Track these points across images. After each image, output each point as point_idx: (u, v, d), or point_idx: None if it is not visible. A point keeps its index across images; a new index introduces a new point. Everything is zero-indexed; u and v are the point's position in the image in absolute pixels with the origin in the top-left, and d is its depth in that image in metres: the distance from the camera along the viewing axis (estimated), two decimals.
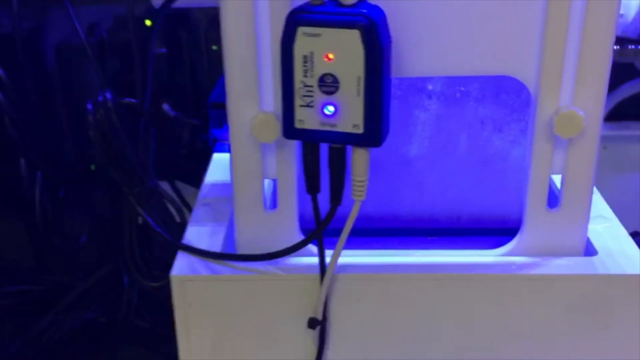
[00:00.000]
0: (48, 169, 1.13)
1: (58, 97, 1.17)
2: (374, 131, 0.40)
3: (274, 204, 0.48)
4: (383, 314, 0.47)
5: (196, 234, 0.51)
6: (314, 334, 0.47)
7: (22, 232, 1.28)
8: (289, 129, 0.42)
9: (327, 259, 0.45)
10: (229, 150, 0.46)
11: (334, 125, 0.41)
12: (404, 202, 0.50)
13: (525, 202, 0.46)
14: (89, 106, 0.49)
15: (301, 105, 0.41)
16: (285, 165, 0.46)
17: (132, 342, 1.26)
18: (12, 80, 1.07)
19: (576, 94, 0.43)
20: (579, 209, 0.46)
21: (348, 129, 0.41)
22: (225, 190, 0.57)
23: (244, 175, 0.46)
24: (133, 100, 0.50)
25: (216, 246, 0.49)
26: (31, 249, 1.31)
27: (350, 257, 0.47)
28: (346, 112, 0.40)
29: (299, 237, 0.48)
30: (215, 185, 0.58)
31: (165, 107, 1.15)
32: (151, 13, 1.12)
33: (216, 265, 0.48)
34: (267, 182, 0.48)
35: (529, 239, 0.47)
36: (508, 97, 0.48)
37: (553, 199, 0.47)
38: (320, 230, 0.44)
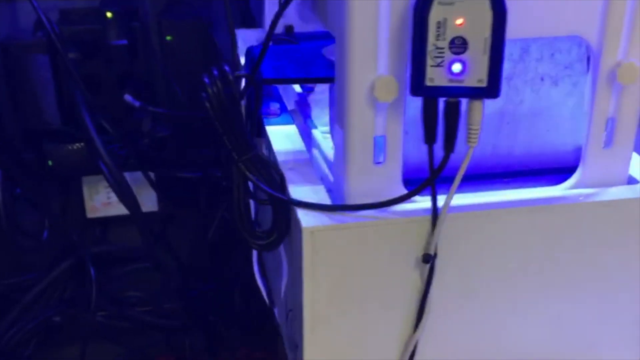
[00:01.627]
0: (7, 166, 1.10)
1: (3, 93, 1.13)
2: (496, 84, 0.47)
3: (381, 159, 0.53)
4: (484, 248, 0.53)
5: (301, 193, 0.55)
6: (421, 271, 0.53)
7: None
8: (418, 87, 0.47)
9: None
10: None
11: (460, 81, 0.47)
12: (484, 150, 0.57)
13: (584, 142, 0.55)
14: (206, 79, 0.52)
15: (432, 66, 0.46)
16: (395, 123, 0.51)
17: (98, 337, 1.25)
18: None
19: (630, 49, 0.52)
20: (627, 146, 0.55)
21: (473, 83, 0.47)
22: (298, 156, 0.61)
23: (359, 133, 0.51)
24: (247, 72, 0.53)
25: (325, 201, 0.54)
26: None
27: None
28: (472, 68, 0.46)
29: (402, 188, 0.53)
30: (287, 153, 0.61)
31: (128, 97, 1.14)
32: (103, 5, 1.11)
33: (336, 215, 0.52)
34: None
35: (587, 174, 0.56)
36: (561, 56, 0.56)
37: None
38: (436, 176, 0.50)
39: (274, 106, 0.69)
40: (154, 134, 1.18)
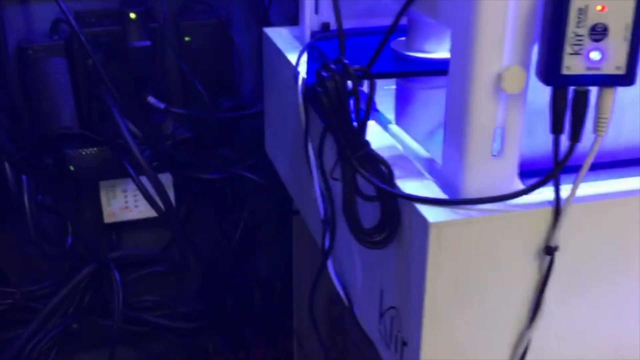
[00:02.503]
0: (31, 172, 1.04)
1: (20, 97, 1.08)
2: (634, 71, 0.45)
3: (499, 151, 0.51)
4: (601, 239, 0.52)
5: (412, 188, 0.52)
6: (539, 264, 0.51)
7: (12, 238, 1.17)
8: (554, 77, 0.45)
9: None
10: None
11: (598, 69, 0.45)
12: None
13: None
14: (324, 73, 0.49)
15: (570, 54, 0.45)
16: (515, 114, 0.49)
17: (117, 343, 1.20)
18: None
19: None
20: None
21: (611, 71, 0.45)
22: (391, 151, 0.59)
23: (479, 125, 0.49)
24: (362, 66, 0.50)
25: (438, 195, 0.52)
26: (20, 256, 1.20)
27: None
28: (612, 56, 0.45)
29: (518, 180, 0.51)
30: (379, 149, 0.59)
31: (152, 99, 1.10)
32: (123, 6, 1.07)
33: (458, 210, 0.50)
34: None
35: None
36: None
37: None
38: (561, 167, 0.48)
39: None
40: (176, 136, 1.14)
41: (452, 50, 0.50)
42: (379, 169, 0.52)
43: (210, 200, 1.23)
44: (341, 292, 0.68)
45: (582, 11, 0.44)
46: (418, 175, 0.55)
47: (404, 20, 0.92)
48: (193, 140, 1.16)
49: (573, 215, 0.50)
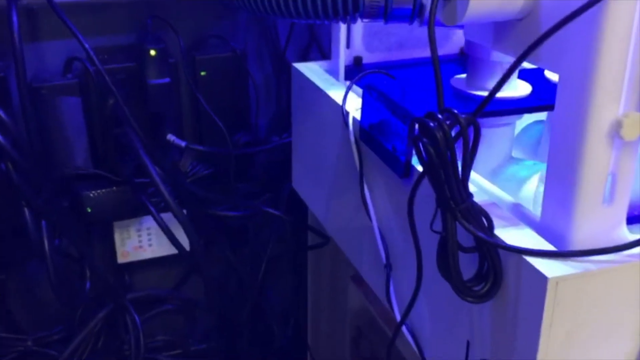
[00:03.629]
0: (51, 216, 0.98)
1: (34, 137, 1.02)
2: None
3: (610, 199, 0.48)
4: None
5: (515, 239, 0.49)
6: None
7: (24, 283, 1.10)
8: None
9: None
10: None
11: None
12: None
13: None
14: (431, 124, 0.45)
15: None
16: (629, 160, 0.46)
17: None
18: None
19: None
20: None
21: None
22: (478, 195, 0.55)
23: (593, 172, 0.46)
24: (468, 114, 0.47)
25: (542, 245, 0.48)
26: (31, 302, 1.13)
27: None
28: None
29: (626, 229, 0.48)
30: None
31: (171, 137, 1.06)
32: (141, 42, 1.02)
33: (571, 262, 0.46)
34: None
35: None
36: None
37: None
38: None
39: None
40: (196, 173, 1.09)
41: (560, 95, 0.47)
42: (480, 220, 0.49)
43: (225, 235, 1.18)
44: (410, 339, 0.64)
45: None
46: (514, 223, 0.52)
47: (448, 50, 0.91)
48: (210, 177, 1.11)
49: None
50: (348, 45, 0.87)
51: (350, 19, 0.65)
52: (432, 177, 0.47)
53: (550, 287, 0.45)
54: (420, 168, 0.60)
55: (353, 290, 1.04)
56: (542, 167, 0.67)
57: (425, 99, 0.67)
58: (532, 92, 0.66)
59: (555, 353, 0.47)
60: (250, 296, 1.20)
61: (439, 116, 0.45)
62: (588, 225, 0.47)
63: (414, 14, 0.63)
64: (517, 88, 0.66)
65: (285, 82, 1.17)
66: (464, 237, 0.49)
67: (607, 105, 0.44)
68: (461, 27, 0.61)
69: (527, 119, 0.74)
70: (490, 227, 0.49)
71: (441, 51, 0.92)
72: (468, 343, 0.56)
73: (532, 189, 0.65)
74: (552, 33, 0.43)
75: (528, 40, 0.50)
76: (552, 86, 0.67)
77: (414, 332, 0.65)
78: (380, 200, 0.69)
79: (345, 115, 0.74)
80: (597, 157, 0.45)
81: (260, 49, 1.16)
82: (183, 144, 1.04)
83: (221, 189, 1.12)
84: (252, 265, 1.18)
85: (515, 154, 0.70)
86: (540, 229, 0.50)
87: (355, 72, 0.86)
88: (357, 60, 0.88)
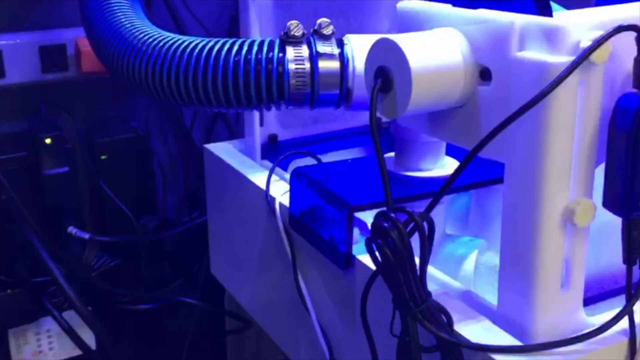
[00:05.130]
0: None
1: None
2: None
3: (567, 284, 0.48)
4: None
5: (475, 334, 0.48)
6: None
7: None
8: (632, 208, 0.43)
9: None
10: None
11: None
12: None
13: None
14: (385, 224, 0.43)
15: None
16: (581, 245, 0.47)
17: None
18: None
19: None
20: None
21: None
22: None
23: (549, 260, 0.46)
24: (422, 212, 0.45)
25: (505, 338, 0.48)
26: None
27: None
28: None
29: (583, 314, 0.49)
30: None
31: (73, 229, 0.99)
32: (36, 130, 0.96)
33: (536, 357, 0.46)
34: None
35: None
36: None
37: None
38: (636, 298, 0.46)
39: (355, 232, 0.61)
40: (101, 266, 1.03)
41: (508, 184, 0.47)
42: (440, 318, 0.47)
43: (136, 329, 1.12)
44: None
45: None
46: (471, 316, 0.51)
47: (361, 122, 0.91)
48: (117, 268, 1.05)
49: None
50: (262, 123, 0.85)
51: (275, 107, 0.64)
52: (389, 279, 0.45)
53: None
54: (362, 258, 0.59)
55: None
56: (478, 243, 0.67)
57: (353, 184, 0.66)
58: None
59: None
60: None
61: (392, 215, 0.44)
62: (548, 313, 0.47)
63: (341, 99, 0.63)
64: (446, 166, 0.66)
65: (192, 159, 1.14)
66: (423, 336, 0.48)
67: (557, 193, 0.44)
68: None
69: None
70: (450, 323, 0.48)
71: (353, 123, 0.94)
72: None
73: (471, 267, 0.65)
74: (502, 129, 0.43)
75: (466, 126, 0.51)
76: (480, 161, 0.68)
77: None
78: (317, 291, 0.67)
79: (270, 201, 0.72)
80: (552, 245, 0.45)
81: (164, 127, 1.13)
82: (86, 236, 0.98)
83: (130, 279, 1.06)
84: (171, 355, 1.12)
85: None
86: (498, 319, 0.50)
87: (272, 151, 0.85)
88: (272, 138, 0.87)
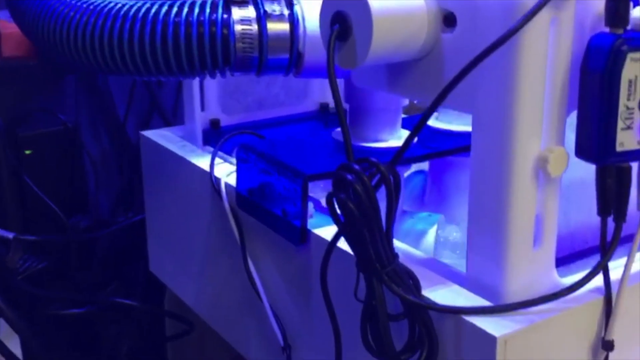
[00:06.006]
0: None
1: None
2: None
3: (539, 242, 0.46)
4: None
5: (445, 298, 0.45)
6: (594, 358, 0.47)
7: None
8: (607, 154, 0.42)
9: None
10: None
11: None
12: None
13: None
14: (348, 176, 0.40)
15: (622, 129, 0.42)
16: (552, 199, 0.45)
17: None
18: None
19: None
20: None
21: None
22: None
23: (521, 216, 0.44)
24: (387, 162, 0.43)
25: (475, 301, 0.45)
26: None
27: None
28: None
29: (555, 273, 0.47)
30: None
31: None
32: None
33: (510, 316, 0.43)
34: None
35: None
36: None
37: None
38: (611, 254, 0.45)
39: (309, 206, 0.58)
40: (27, 269, 0.96)
41: (476, 138, 0.45)
42: (407, 282, 0.45)
43: (69, 337, 1.05)
44: None
45: (632, 83, 0.41)
46: (439, 281, 0.48)
47: (307, 107, 0.89)
48: (46, 271, 0.99)
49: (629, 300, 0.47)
50: (203, 108, 0.81)
51: (219, 73, 0.60)
52: (353, 239, 0.42)
53: (499, 347, 0.41)
54: (319, 232, 0.56)
55: None
56: (437, 218, 0.65)
57: (305, 155, 0.63)
58: (418, 140, 0.65)
59: None
60: None
61: (356, 167, 0.41)
62: (520, 273, 0.45)
63: (291, 64, 0.60)
64: (402, 137, 0.64)
65: (127, 155, 1.09)
66: (389, 303, 0.45)
67: (528, 141, 0.43)
68: (347, 75, 0.58)
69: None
70: (418, 288, 0.46)
71: (299, 109, 0.91)
72: None
73: (431, 242, 0.63)
74: (468, 72, 0.41)
75: (429, 79, 0.48)
76: (435, 133, 0.66)
77: None
78: (269, 275, 0.63)
79: (215, 182, 0.68)
80: (523, 198, 0.43)
81: (95, 120, 1.07)
82: (10, 235, 0.91)
83: (60, 282, 1.00)
84: None
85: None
86: (468, 284, 0.47)
87: (214, 137, 0.81)
88: (214, 123, 0.83)
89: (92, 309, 0.98)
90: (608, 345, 0.46)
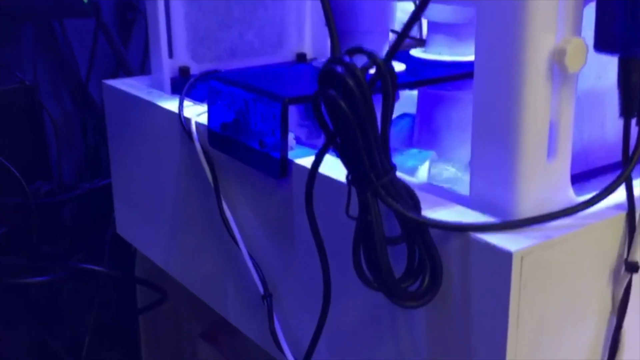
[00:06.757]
0: None
1: None
2: None
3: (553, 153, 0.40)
4: None
5: (445, 216, 0.40)
6: (615, 282, 0.41)
7: None
8: (633, 42, 0.36)
9: None
10: None
11: None
12: None
13: None
14: (338, 69, 0.34)
15: None
16: (569, 102, 0.40)
17: None
18: None
19: None
20: None
21: None
22: None
23: (535, 119, 0.38)
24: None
25: (482, 219, 0.40)
26: None
27: None
28: None
29: (570, 187, 0.41)
30: None
31: None
32: None
33: (525, 233, 0.38)
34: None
35: None
36: None
37: None
38: (635, 161, 0.39)
39: (290, 137, 0.52)
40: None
41: (481, 36, 0.39)
42: (405, 199, 0.39)
43: (31, 310, 0.98)
44: None
45: None
46: (439, 203, 0.42)
47: (283, 57, 0.83)
48: (4, 238, 0.91)
49: None
50: (171, 55, 0.75)
51: None
52: (344, 144, 0.36)
53: (515, 264, 0.36)
54: (300, 162, 0.50)
55: (204, 350, 0.90)
56: (428, 155, 0.60)
57: (283, 82, 0.57)
58: (407, 70, 0.59)
59: (526, 347, 0.38)
60: None
61: (347, 58, 0.35)
62: (533, 189, 0.39)
63: None
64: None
65: (91, 117, 1.01)
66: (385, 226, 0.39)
67: (543, 32, 0.37)
68: None
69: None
70: (417, 206, 0.40)
71: (275, 59, 0.85)
72: None
73: (423, 179, 0.57)
74: None
75: None
76: (425, 64, 0.61)
77: None
78: (246, 218, 0.57)
79: (185, 122, 0.62)
80: (537, 99, 0.38)
81: (55, 80, 1.00)
82: None
83: (21, 250, 0.93)
84: (71, 343, 0.98)
85: None
86: (473, 204, 0.42)
87: (183, 85, 0.75)
88: (184, 70, 0.77)
89: (56, 277, 0.91)
90: (632, 267, 0.40)
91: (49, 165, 0.98)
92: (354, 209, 0.39)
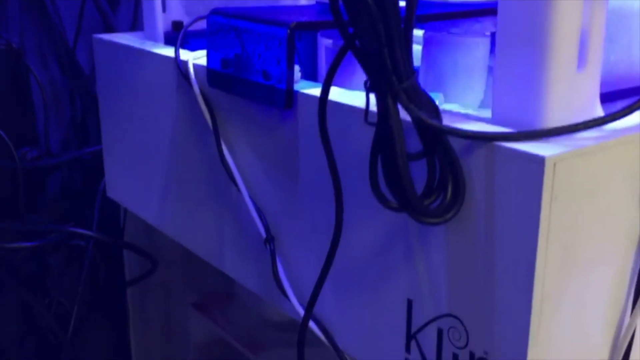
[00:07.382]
0: None
1: None
2: None
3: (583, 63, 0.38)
4: None
5: (470, 127, 0.37)
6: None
7: None
8: None
9: None
10: None
11: None
12: None
13: None
14: None
15: None
16: (600, 9, 0.37)
17: None
18: None
19: None
20: None
21: None
22: None
23: (566, 26, 0.35)
24: None
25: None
26: None
27: None
28: None
29: (599, 104, 0.39)
30: None
31: None
32: None
33: (559, 141, 0.35)
34: None
35: None
36: None
37: None
38: None
39: (296, 69, 0.49)
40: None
41: None
42: (427, 107, 0.36)
43: (17, 280, 0.94)
44: (315, 327, 0.49)
45: None
46: (460, 119, 0.40)
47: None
48: None
49: None
50: (164, 9, 0.72)
51: None
52: (364, 44, 0.34)
53: (547, 171, 0.33)
54: (307, 91, 0.47)
55: (196, 319, 0.86)
56: (437, 95, 0.57)
57: (288, 13, 0.54)
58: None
59: (554, 266, 0.35)
60: (58, 358, 0.96)
61: None
62: (562, 101, 0.37)
63: None
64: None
65: (79, 86, 0.98)
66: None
67: None
68: None
69: None
70: (439, 115, 0.37)
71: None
72: (410, 302, 0.42)
73: None
74: None
75: None
76: (431, 5, 0.58)
77: (321, 317, 0.50)
78: (246, 160, 0.54)
79: (182, 66, 0.59)
80: (568, 4, 0.35)
81: (41, 45, 0.96)
82: None
83: (7, 218, 0.89)
84: (58, 316, 0.94)
85: None
86: (496, 119, 0.39)
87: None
88: (177, 25, 0.74)
89: (45, 242, 0.87)
90: None
91: (36, 132, 0.94)
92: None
